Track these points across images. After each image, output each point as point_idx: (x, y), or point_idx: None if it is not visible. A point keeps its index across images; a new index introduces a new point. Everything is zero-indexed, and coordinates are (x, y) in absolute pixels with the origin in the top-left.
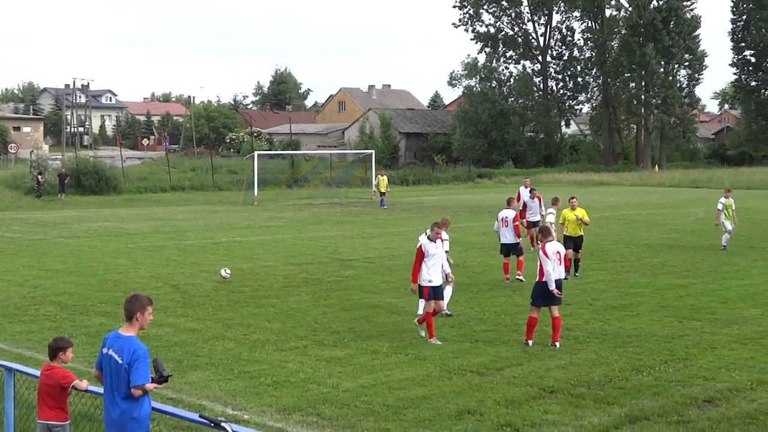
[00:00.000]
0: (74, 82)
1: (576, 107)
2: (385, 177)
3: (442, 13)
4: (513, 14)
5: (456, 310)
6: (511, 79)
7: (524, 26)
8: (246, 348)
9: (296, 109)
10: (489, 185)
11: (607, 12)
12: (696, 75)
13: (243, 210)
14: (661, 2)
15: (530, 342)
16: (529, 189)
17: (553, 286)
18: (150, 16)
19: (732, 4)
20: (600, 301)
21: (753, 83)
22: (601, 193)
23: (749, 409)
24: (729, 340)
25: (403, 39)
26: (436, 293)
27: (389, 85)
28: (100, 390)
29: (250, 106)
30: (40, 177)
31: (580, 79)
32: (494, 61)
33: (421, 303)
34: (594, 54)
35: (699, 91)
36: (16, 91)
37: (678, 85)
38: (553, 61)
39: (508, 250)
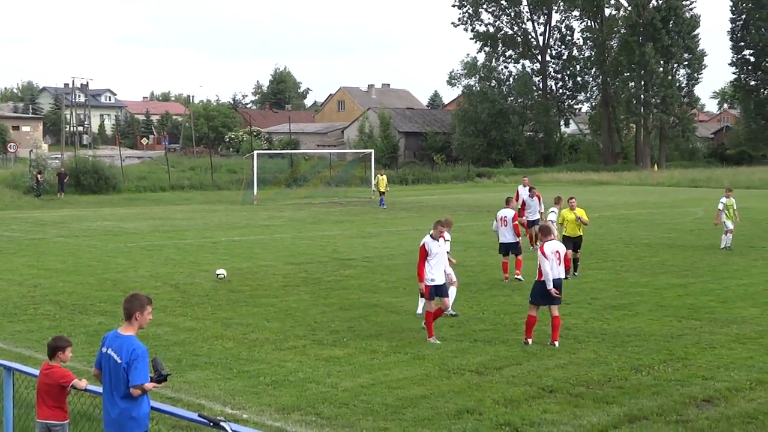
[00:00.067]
0: (73, 81)
1: (575, 107)
2: (384, 176)
3: (442, 12)
4: (512, 13)
5: (455, 310)
6: (511, 79)
7: (523, 25)
8: (245, 347)
9: (296, 109)
10: (488, 184)
11: (607, 11)
12: (695, 74)
13: (242, 209)
14: (660, 2)
15: (529, 341)
16: (528, 188)
17: (550, 286)
18: (150, 16)
19: (731, 3)
20: (599, 300)
21: (752, 83)
22: (600, 193)
23: (748, 408)
24: (728, 339)
25: (403, 39)
26: (438, 292)
27: (388, 85)
28: (99, 389)
29: (249, 106)
30: (39, 176)
31: (579, 79)
32: (493, 60)
33: (421, 302)
34: (593, 53)
35: (698, 90)
36: (15, 90)
37: (677, 84)
38: (553, 60)
39: (507, 249)
